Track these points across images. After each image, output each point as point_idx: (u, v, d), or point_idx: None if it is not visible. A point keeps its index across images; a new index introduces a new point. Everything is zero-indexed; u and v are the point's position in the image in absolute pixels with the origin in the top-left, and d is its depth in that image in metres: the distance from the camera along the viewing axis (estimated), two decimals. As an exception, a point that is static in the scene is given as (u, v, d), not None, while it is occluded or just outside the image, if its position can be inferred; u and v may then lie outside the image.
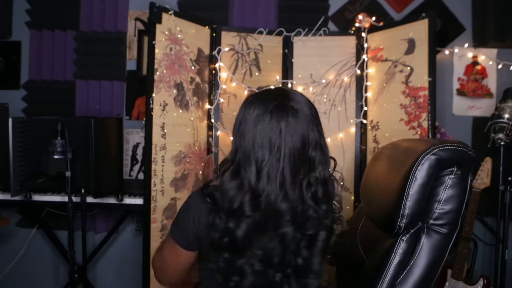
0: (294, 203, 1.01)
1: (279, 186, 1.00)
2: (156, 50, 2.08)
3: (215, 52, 2.34)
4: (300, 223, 1.02)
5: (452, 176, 1.14)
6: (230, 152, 1.09)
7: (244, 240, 1.00)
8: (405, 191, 1.14)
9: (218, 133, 2.33)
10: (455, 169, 1.14)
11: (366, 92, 2.37)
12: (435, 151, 1.13)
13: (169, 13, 2.14)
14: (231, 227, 1.01)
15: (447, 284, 2.28)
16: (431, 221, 1.16)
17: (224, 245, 1.02)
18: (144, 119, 2.19)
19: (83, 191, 2.11)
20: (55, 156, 1.97)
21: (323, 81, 2.41)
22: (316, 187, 1.04)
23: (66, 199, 2.03)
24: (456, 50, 2.59)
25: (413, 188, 1.14)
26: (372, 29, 2.38)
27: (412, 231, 1.16)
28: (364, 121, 2.38)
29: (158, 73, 2.09)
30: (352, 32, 2.44)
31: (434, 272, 1.16)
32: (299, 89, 2.42)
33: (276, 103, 1.03)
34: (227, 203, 1.02)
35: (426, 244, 1.16)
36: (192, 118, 2.26)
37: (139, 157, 2.62)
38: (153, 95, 2.06)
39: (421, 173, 1.13)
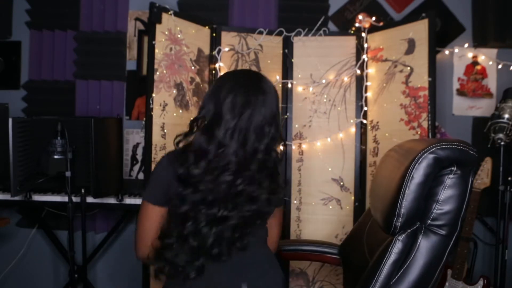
0: (242, 158, 1.22)
1: (238, 144, 1.21)
2: (156, 50, 2.08)
3: (215, 52, 2.34)
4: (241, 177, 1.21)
5: (451, 176, 1.12)
6: (199, 113, 1.33)
7: (198, 176, 1.20)
8: (402, 190, 1.13)
9: (218, 133, 2.33)
10: (455, 168, 1.12)
11: (366, 92, 2.37)
12: (433, 149, 1.11)
13: (169, 13, 2.14)
14: (192, 167, 1.21)
15: (447, 284, 2.28)
16: (429, 221, 1.14)
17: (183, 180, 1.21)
18: (144, 119, 2.19)
19: (83, 191, 2.11)
20: (55, 156, 1.97)
21: (323, 81, 2.41)
22: (264, 154, 1.23)
23: (66, 199, 2.04)
24: (456, 50, 2.59)
25: (410, 187, 1.12)
26: (372, 29, 2.38)
27: (408, 231, 1.15)
28: (364, 121, 2.38)
29: (158, 73, 2.09)
30: (352, 32, 2.44)
31: (431, 274, 1.14)
32: (299, 89, 2.42)
33: (249, 81, 1.29)
34: (196, 151, 1.23)
35: (423, 245, 1.13)
36: (192, 118, 2.26)
37: (139, 157, 2.62)
38: (153, 95, 2.06)
39: (418, 172, 1.11)
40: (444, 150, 1.11)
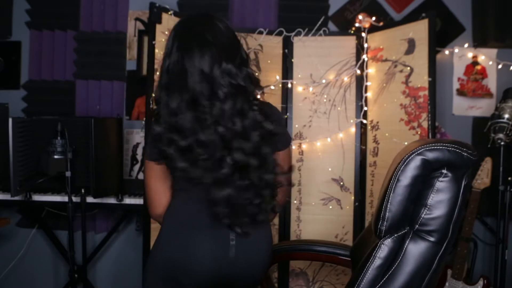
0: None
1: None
2: (156, 50, 2.08)
3: (215, 52, 2.33)
4: None
5: (441, 179, 1.06)
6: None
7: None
8: (387, 193, 1.09)
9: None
10: (445, 171, 1.06)
11: (366, 92, 2.37)
12: (421, 151, 1.06)
13: (169, 13, 2.14)
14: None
15: (447, 284, 2.28)
16: (417, 226, 1.09)
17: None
18: (144, 119, 2.19)
19: (83, 191, 2.11)
20: (55, 156, 1.97)
21: (323, 81, 2.41)
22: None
23: (66, 199, 2.03)
24: (456, 50, 2.59)
25: (395, 190, 1.08)
26: (372, 29, 2.38)
27: (395, 235, 1.10)
28: (364, 121, 2.38)
29: (158, 73, 2.08)
30: (352, 32, 2.44)
31: (419, 282, 1.09)
32: (299, 89, 2.42)
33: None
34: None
35: (410, 251, 1.08)
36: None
37: (139, 157, 2.62)
38: (153, 95, 2.06)
39: (404, 174, 1.07)
40: (433, 151, 1.05)
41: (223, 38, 1.25)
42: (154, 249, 1.34)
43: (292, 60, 2.42)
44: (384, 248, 1.11)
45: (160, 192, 1.34)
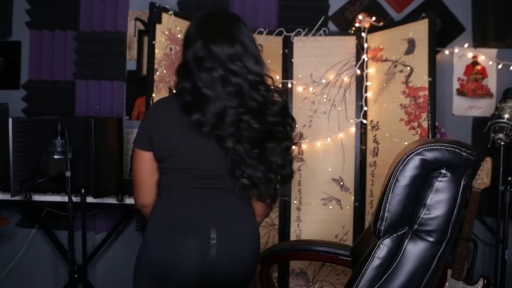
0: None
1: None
2: (156, 50, 2.08)
3: (215, 52, 2.33)
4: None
5: (440, 179, 1.06)
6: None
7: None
8: (386, 193, 1.09)
9: (218, 133, 2.32)
10: (445, 171, 1.06)
11: (366, 92, 2.37)
12: (420, 150, 1.05)
13: (169, 13, 2.14)
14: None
15: (447, 284, 2.28)
16: (416, 226, 1.08)
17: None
18: (144, 119, 2.18)
19: (83, 191, 2.11)
20: (55, 156, 1.97)
21: (323, 81, 2.41)
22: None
23: (66, 199, 2.03)
24: (456, 50, 2.59)
25: (394, 190, 1.08)
26: (372, 29, 2.38)
27: (394, 235, 1.10)
28: (364, 121, 2.38)
29: (158, 73, 2.09)
30: (352, 32, 2.44)
31: (418, 282, 1.09)
32: (299, 89, 2.42)
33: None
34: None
35: (409, 251, 1.08)
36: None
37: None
38: (153, 95, 2.06)
39: (403, 174, 1.07)
40: (432, 151, 1.05)
41: (246, 39, 1.37)
42: (141, 249, 1.35)
43: (292, 60, 2.42)
44: (383, 248, 1.11)
45: (148, 184, 1.37)
